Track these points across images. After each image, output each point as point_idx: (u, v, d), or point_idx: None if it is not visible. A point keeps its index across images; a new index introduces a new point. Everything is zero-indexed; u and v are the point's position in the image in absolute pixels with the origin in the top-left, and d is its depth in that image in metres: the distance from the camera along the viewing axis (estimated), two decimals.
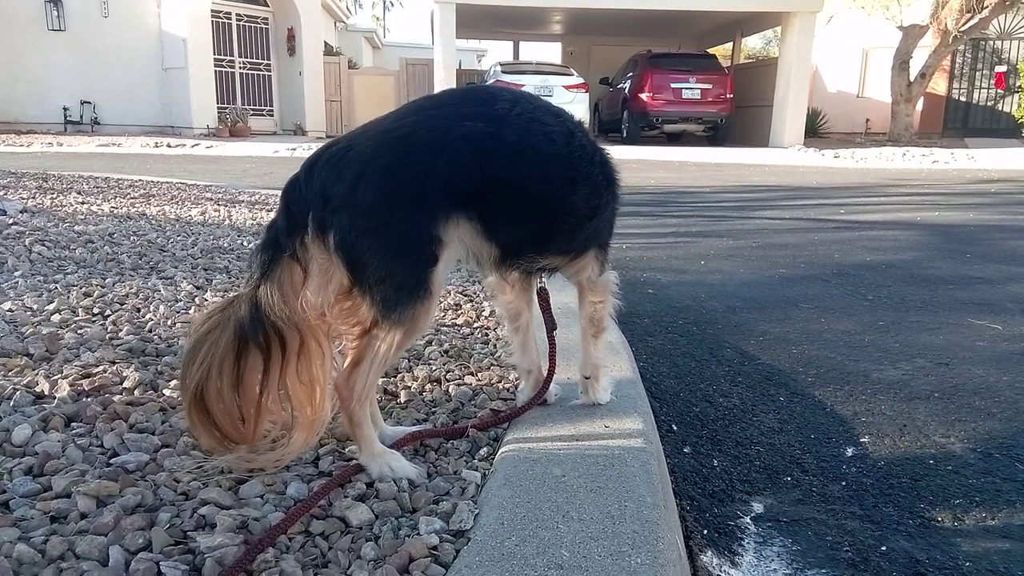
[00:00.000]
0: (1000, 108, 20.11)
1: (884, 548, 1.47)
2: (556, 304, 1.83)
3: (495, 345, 2.26)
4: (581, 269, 1.60)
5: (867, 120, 21.96)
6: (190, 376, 1.34)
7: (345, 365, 1.41)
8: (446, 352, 2.17)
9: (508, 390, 1.90)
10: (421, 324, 1.38)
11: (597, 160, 1.53)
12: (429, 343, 2.25)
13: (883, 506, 1.63)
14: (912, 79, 17.78)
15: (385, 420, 1.64)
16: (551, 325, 1.70)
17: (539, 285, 1.70)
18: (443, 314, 2.60)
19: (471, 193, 1.37)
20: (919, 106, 19.03)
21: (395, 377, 1.96)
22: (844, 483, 1.74)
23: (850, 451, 1.90)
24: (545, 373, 1.72)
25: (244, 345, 1.33)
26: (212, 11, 17.38)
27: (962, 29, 16.94)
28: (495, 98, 1.44)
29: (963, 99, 20.69)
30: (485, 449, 1.54)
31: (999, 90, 19.80)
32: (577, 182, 1.48)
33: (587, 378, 1.71)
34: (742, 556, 1.47)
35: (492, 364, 2.08)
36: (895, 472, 1.78)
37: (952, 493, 1.68)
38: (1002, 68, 19.53)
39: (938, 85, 20.06)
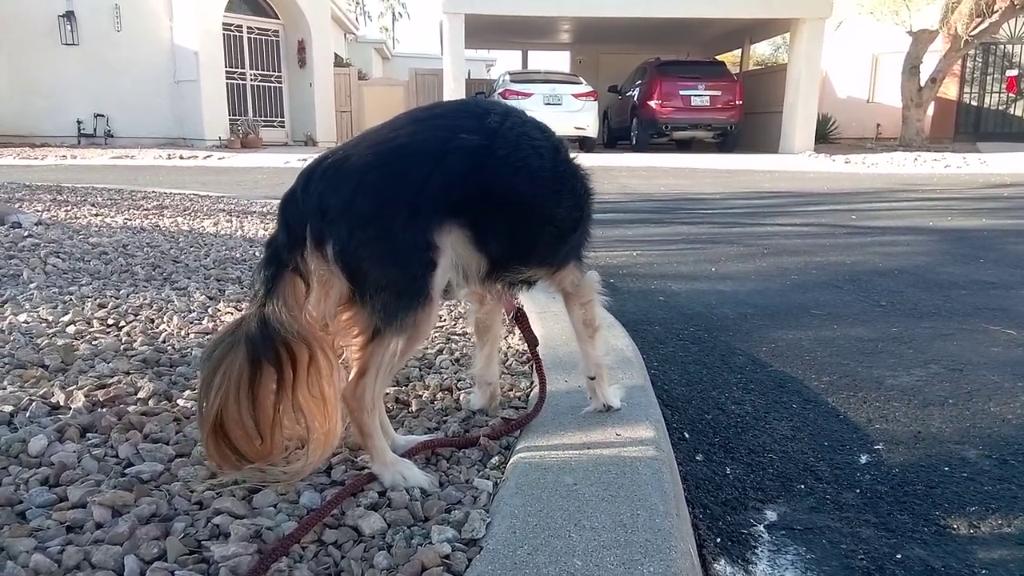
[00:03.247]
0: (1012, 112, 20.00)
1: (899, 556, 1.46)
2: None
3: (505, 354, 2.26)
4: (563, 279, 1.65)
5: (878, 125, 21.88)
6: (208, 403, 1.34)
7: (351, 376, 1.41)
8: (457, 361, 2.18)
9: (519, 398, 1.91)
10: (423, 330, 1.39)
11: (579, 175, 1.58)
12: (440, 352, 2.25)
13: (898, 514, 1.62)
14: (923, 84, 17.70)
15: (397, 429, 1.65)
16: (533, 342, 1.78)
17: (516, 305, 1.75)
18: (454, 323, 2.60)
19: (464, 203, 1.40)
20: (930, 111, 18.94)
21: (406, 386, 1.96)
22: (858, 491, 1.73)
23: (864, 458, 1.89)
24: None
25: (257, 364, 1.34)
26: (224, 24, 17.54)
27: (972, 34, 16.86)
28: (487, 112, 1.48)
29: (974, 104, 20.58)
30: (497, 458, 1.54)
31: (1010, 94, 19.70)
32: (562, 195, 1.53)
33: (592, 379, 1.73)
34: (756, 564, 1.46)
35: (503, 373, 2.08)
36: (910, 479, 1.77)
37: (967, 500, 1.67)
38: (1013, 72, 19.44)
39: (949, 90, 19.97)
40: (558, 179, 1.52)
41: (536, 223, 1.52)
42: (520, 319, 1.77)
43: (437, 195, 1.36)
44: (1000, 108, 20.26)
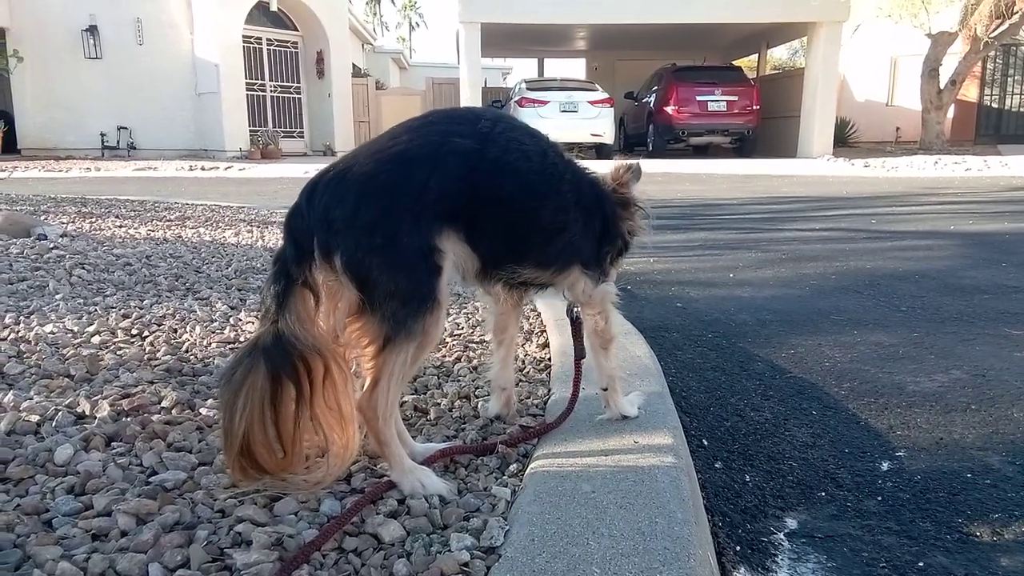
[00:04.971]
0: None
1: (921, 564, 1.45)
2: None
3: (523, 361, 2.27)
4: (571, 284, 1.66)
5: (897, 129, 21.70)
6: (234, 426, 1.34)
7: (365, 386, 1.43)
8: (475, 368, 2.19)
9: (536, 406, 1.91)
10: (432, 335, 1.41)
11: (567, 179, 1.58)
12: (458, 360, 2.27)
13: (920, 521, 1.61)
14: (942, 86, 17.52)
15: (415, 437, 1.66)
16: (579, 354, 1.78)
17: (574, 314, 1.75)
18: (471, 330, 2.61)
19: (460, 205, 1.42)
20: (950, 113, 18.73)
21: (425, 394, 1.98)
22: (880, 498, 1.71)
23: (885, 465, 1.88)
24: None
25: (278, 381, 1.35)
26: (244, 37, 17.74)
27: (992, 35, 16.68)
28: (479, 117, 1.51)
29: (995, 106, 20.35)
30: (515, 465, 1.55)
31: None
32: (547, 197, 1.54)
33: (605, 390, 1.74)
34: (776, 573, 1.45)
35: (521, 380, 2.09)
36: (932, 486, 1.76)
37: (991, 507, 1.65)
38: None
39: (969, 92, 19.75)
40: (544, 182, 1.54)
41: (522, 224, 1.53)
42: (575, 328, 1.77)
43: (436, 199, 1.38)
44: (1021, 110, 20.00)
